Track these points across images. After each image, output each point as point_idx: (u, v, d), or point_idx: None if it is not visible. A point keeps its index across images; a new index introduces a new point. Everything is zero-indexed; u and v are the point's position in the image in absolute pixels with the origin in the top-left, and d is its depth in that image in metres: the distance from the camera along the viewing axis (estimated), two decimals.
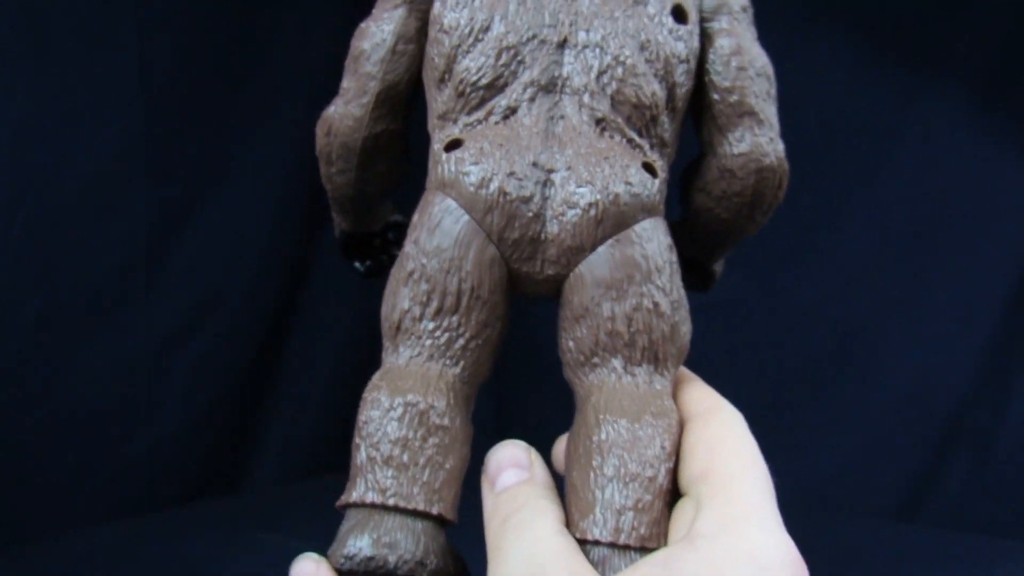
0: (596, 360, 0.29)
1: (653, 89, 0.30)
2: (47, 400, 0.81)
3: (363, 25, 0.34)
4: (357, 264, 0.46)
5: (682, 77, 0.31)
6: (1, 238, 0.76)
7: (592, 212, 0.28)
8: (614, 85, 0.30)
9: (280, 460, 1.07)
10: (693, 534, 0.23)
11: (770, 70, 0.33)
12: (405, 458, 0.26)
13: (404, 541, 0.26)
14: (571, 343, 0.29)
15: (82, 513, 0.85)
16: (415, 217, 0.30)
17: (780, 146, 0.34)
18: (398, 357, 0.29)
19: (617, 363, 0.28)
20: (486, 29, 0.30)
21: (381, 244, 0.46)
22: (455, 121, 0.30)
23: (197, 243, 0.93)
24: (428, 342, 0.28)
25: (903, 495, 0.97)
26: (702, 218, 0.34)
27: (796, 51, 1.00)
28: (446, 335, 0.29)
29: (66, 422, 0.83)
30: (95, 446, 0.86)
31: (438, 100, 0.31)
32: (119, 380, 0.88)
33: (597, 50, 0.30)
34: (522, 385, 1.09)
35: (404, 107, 0.34)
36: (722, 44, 0.32)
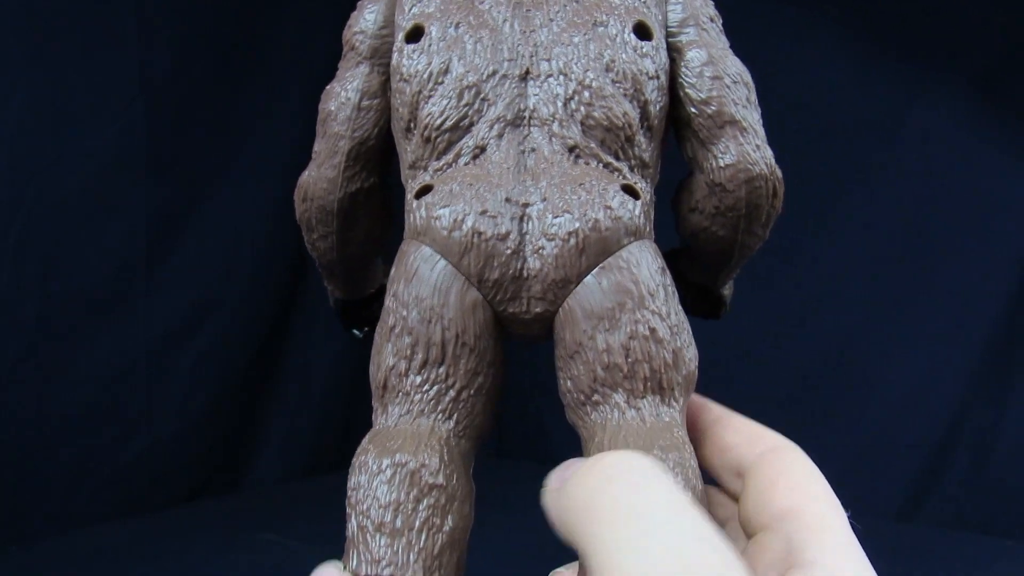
0: (596, 398, 0.27)
1: (624, 109, 0.29)
2: (47, 400, 0.81)
3: (328, 87, 0.33)
4: (356, 332, 0.45)
5: (654, 94, 0.30)
6: (1, 238, 0.77)
7: (572, 241, 0.27)
8: (582, 110, 0.29)
9: (280, 460, 1.07)
10: (804, 563, 0.22)
11: (747, 76, 0.32)
12: (398, 523, 0.24)
13: None
14: (569, 383, 0.27)
15: (82, 513, 0.85)
16: (392, 270, 0.28)
17: (768, 152, 0.32)
18: (387, 418, 0.27)
19: (619, 398, 0.27)
20: (445, 72, 0.29)
21: (378, 309, 0.45)
22: (425, 168, 0.29)
23: (197, 243, 0.93)
24: (417, 397, 0.27)
25: (903, 495, 0.97)
26: (700, 239, 0.33)
27: (796, 51, 1.00)
28: (435, 388, 0.27)
29: (66, 422, 0.83)
30: (95, 446, 0.86)
31: (407, 150, 0.30)
32: (118, 380, 0.88)
33: (561, 77, 0.29)
34: (522, 405, 1.09)
35: (378, 163, 0.33)
36: (692, 56, 0.31)
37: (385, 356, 0.27)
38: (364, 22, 0.32)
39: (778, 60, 0.99)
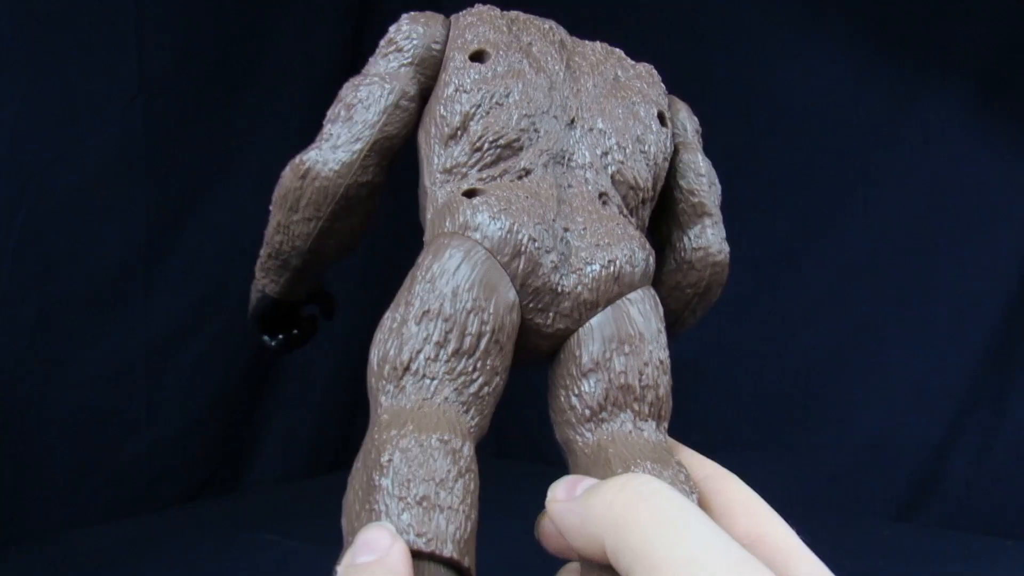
0: (604, 415, 0.28)
1: (646, 175, 0.33)
2: (47, 400, 0.81)
3: (358, 79, 0.34)
4: (266, 338, 0.43)
5: (662, 172, 0.34)
6: (1, 238, 0.77)
7: (611, 269, 0.29)
8: (615, 166, 0.32)
9: (280, 460, 1.07)
10: None
11: (718, 184, 0.37)
12: (440, 499, 0.24)
13: None
14: (575, 399, 0.29)
15: (82, 513, 0.85)
16: (425, 259, 0.29)
17: (728, 248, 0.36)
18: (405, 399, 0.27)
19: (626, 417, 0.28)
20: (507, 95, 0.32)
21: (294, 318, 0.43)
22: (465, 175, 0.31)
23: (196, 243, 0.93)
24: (442, 385, 0.27)
25: (903, 495, 0.97)
26: None
27: (796, 51, 1.00)
28: (461, 379, 0.27)
29: (66, 422, 0.83)
30: (95, 446, 0.86)
31: (443, 155, 0.32)
32: (119, 380, 0.88)
33: (601, 134, 0.33)
34: (520, 407, 1.09)
35: (388, 165, 0.34)
36: (686, 155, 0.36)
37: (411, 338, 0.27)
38: (419, 32, 0.34)
39: (779, 61, 0.99)
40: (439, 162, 0.32)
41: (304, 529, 0.83)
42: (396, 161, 0.34)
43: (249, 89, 0.95)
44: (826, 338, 1.01)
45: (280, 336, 0.43)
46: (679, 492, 0.22)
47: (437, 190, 0.31)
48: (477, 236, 0.29)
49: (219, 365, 0.97)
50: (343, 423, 1.11)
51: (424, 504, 0.23)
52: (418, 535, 0.23)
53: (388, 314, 0.28)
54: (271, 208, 0.35)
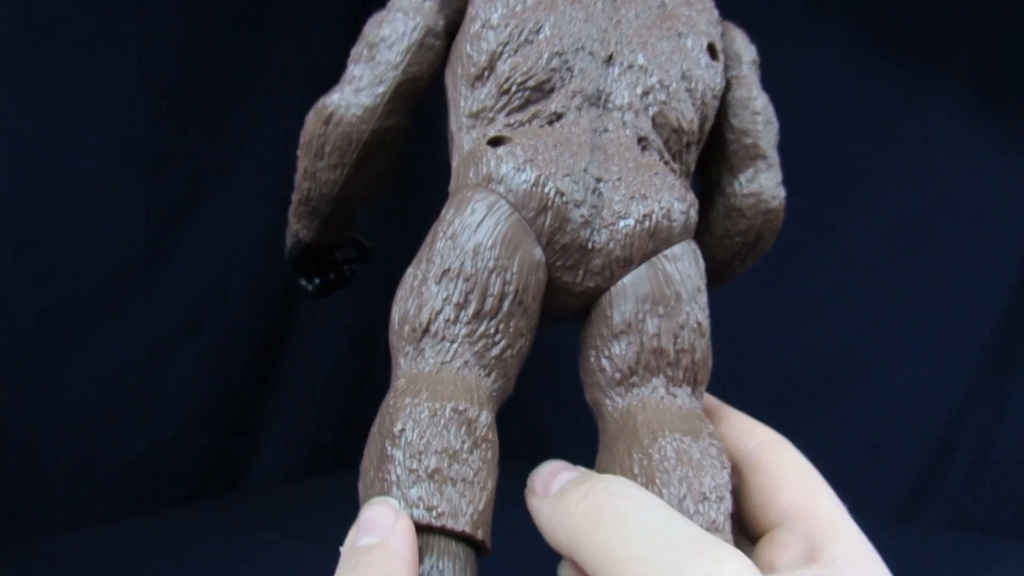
0: (635, 379, 0.27)
1: (692, 116, 0.30)
2: (47, 400, 0.81)
3: (381, 14, 0.32)
4: (304, 281, 0.43)
5: (712, 111, 0.31)
6: (1, 238, 0.76)
7: (646, 224, 0.27)
8: (656, 107, 0.29)
9: (280, 460, 1.07)
10: (828, 562, 0.23)
11: (776, 120, 0.34)
12: (453, 472, 0.23)
13: (451, 570, 0.22)
14: (605, 361, 0.27)
15: (82, 513, 0.85)
16: (448, 213, 0.27)
17: (783, 193, 0.34)
18: (423, 363, 0.26)
19: (659, 383, 0.27)
20: (537, 31, 0.29)
21: (330, 262, 0.43)
22: (492, 120, 0.29)
23: (197, 243, 0.93)
24: (462, 348, 0.26)
25: (903, 495, 0.97)
26: None
27: (796, 51, 1.00)
28: (482, 341, 0.26)
29: (66, 422, 0.83)
30: (95, 446, 0.86)
31: (470, 98, 0.30)
32: (119, 380, 0.88)
33: (642, 71, 0.29)
34: (523, 404, 1.09)
35: (415, 106, 0.32)
36: (739, 90, 0.33)
37: (430, 299, 0.26)
38: None
39: (778, 61, 0.99)
40: (466, 105, 0.30)
41: (304, 529, 0.83)
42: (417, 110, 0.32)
43: (249, 89, 0.95)
44: (826, 337, 1.01)
45: (317, 280, 0.43)
46: (642, 490, 0.22)
47: (464, 136, 0.29)
48: (501, 189, 0.27)
49: (219, 365, 0.97)
50: (343, 423, 1.11)
51: (436, 477, 0.23)
52: (427, 509, 0.22)
53: (410, 270, 0.27)
54: (298, 153, 0.34)
